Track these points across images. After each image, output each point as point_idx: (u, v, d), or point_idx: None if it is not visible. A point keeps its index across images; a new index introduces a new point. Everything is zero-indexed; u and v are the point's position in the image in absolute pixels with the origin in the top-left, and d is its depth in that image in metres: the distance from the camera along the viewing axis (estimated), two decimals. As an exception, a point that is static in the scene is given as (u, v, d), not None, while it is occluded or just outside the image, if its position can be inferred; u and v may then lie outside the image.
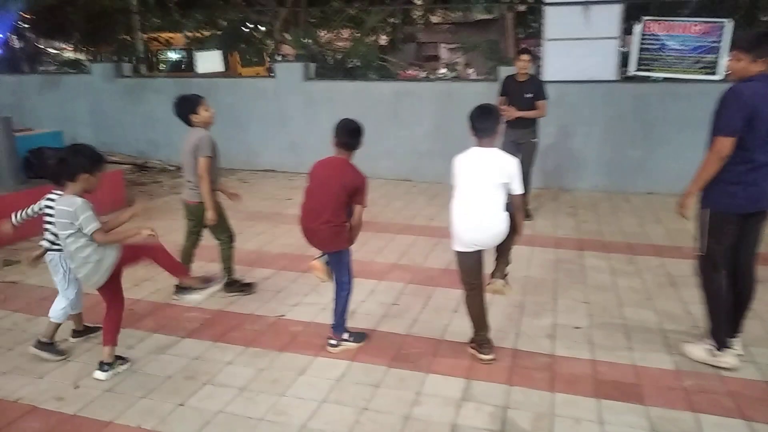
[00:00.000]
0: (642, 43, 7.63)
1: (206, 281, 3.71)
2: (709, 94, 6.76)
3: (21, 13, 11.35)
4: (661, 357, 3.55)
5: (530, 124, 6.25)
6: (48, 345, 3.55)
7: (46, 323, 3.59)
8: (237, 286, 4.59)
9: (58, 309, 3.57)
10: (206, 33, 10.64)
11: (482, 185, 3.28)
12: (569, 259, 5.26)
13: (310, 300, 4.46)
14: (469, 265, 3.43)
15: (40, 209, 3.48)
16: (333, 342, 3.66)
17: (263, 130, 9.28)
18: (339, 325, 3.68)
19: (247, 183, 8.74)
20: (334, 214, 3.46)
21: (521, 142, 6.23)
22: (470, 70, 17.75)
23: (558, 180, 8.04)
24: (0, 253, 5.44)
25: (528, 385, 3.25)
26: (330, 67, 9.33)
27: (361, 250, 5.14)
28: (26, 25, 12.37)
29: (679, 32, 7.51)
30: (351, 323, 3.97)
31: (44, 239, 3.49)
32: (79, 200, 3.09)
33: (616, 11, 7.65)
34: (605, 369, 3.42)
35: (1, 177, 5.80)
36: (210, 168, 4.11)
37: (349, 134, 3.49)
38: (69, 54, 12.80)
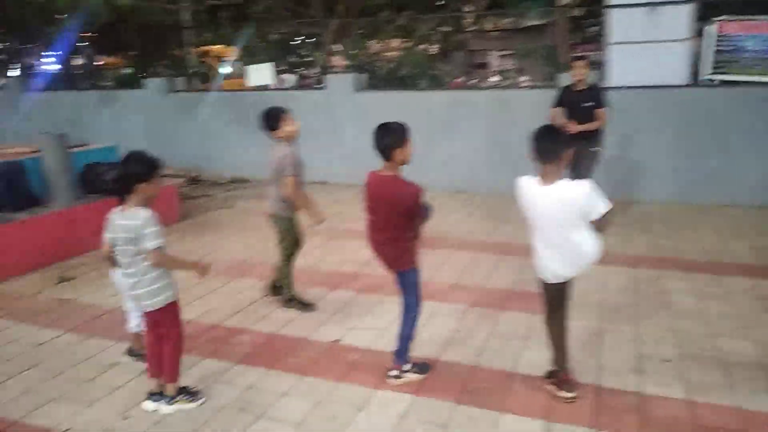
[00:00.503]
0: (716, 45, 7.09)
1: (189, 394, 3.21)
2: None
3: (79, 31, 11.63)
4: (769, 398, 3.10)
5: (591, 133, 5.84)
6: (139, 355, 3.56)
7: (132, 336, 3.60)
8: (295, 303, 4.44)
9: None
10: (255, 46, 10.63)
11: (560, 227, 2.93)
12: (648, 281, 4.80)
13: (368, 323, 4.19)
14: (555, 290, 3.10)
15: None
16: (394, 373, 3.37)
17: (315, 141, 9.11)
18: (402, 353, 3.39)
19: (298, 196, 8.61)
20: (394, 233, 3.21)
21: (580, 151, 5.83)
22: (523, 78, 17.30)
23: (625, 191, 7.52)
24: (56, 269, 5.42)
25: (618, 430, 2.87)
26: (381, 78, 9.11)
27: (419, 269, 4.86)
28: (84, 43, 12.73)
29: (759, 32, 6.95)
30: (411, 350, 3.69)
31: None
32: (145, 213, 2.87)
33: (685, 12, 7.15)
34: (706, 412, 2.99)
35: (59, 193, 5.79)
36: (297, 184, 4.11)
37: (378, 139, 3.08)
38: (125, 70, 13.08)
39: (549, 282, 3.09)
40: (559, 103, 5.97)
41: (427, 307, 4.26)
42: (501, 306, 4.41)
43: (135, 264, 2.91)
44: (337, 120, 8.92)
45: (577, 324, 3.98)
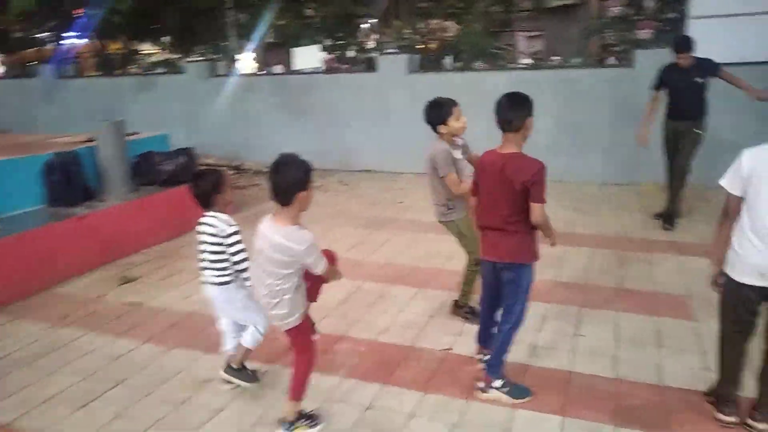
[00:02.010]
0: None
1: (308, 418, 2.79)
2: None
3: (111, 14, 11.18)
4: None
5: (698, 114, 5.36)
6: (238, 371, 3.12)
7: (242, 350, 3.12)
8: (467, 312, 3.89)
9: (250, 335, 3.11)
10: (300, 27, 10.17)
11: None
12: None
13: (476, 327, 3.76)
14: (747, 298, 2.58)
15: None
16: (481, 386, 3.00)
17: (363, 128, 8.71)
18: (494, 365, 2.99)
19: (347, 185, 8.19)
20: (515, 216, 2.80)
21: (682, 130, 5.37)
22: (556, 58, 16.72)
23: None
24: (116, 267, 5.06)
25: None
26: (434, 59, 8.63)
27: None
28: (118, 28, 12.27)
29: None
30: (533, 360, 3.31)
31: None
32: (309, 237, 2.46)
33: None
34: None
35: (114, 185, 5.41)
36: (456, 181, 3.53)
37: (503, 109, 2.83)
38: (159, 56, 12.65)
39: (749, 284, 2.52)
40: (661, 83, 5.46)
41: (532, 308, 3.85)
42: (614, 307, 3.99)
43: (277, 283, 2.54)
44: (387, 104, 8.46)
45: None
